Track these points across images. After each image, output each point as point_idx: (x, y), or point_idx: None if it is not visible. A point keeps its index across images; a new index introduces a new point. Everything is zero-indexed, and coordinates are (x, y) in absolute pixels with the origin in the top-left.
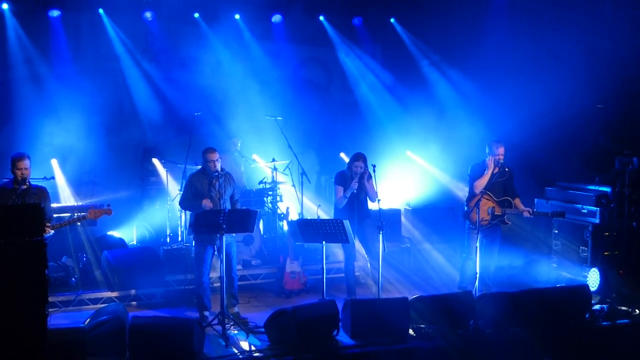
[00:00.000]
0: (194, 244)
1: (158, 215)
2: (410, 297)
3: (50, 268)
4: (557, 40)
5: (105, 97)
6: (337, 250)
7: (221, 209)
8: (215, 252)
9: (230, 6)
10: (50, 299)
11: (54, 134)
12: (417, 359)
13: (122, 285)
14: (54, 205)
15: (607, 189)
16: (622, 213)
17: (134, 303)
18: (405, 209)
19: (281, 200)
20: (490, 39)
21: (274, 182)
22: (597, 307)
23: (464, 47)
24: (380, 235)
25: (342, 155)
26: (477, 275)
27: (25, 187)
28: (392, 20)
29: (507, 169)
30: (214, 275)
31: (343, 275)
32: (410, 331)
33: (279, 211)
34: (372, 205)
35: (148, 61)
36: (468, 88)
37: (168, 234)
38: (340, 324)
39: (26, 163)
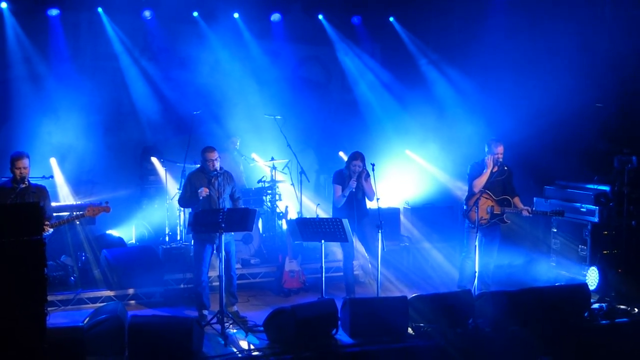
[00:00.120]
0: (193, 243)
1: (157, 214)
2: (410, 296)
3: (49, 267)
4: (557, 39)
5: (104, 96)
6: (336, 249)
7: (220, 208)
8: (214, 251)
9: (229, 5)
10: (49, 297)
11: (53, 133)
12: (416, 358)
13: (121, 284)
14: (53, 204)
15: (606, 188)
16: (621, 212)
17: (132, 302)
18: (404, 207)
19: (280, 199)
20: (489, 38)
21: (273, 181)
22: (596, 305)
23: (463, 46)
24: (380, 234)
25: (341, 154)
26: (476, 274)
27: (24, 186)
28: (391, 19)
29: (506, 168)
30: (213, 274)
31: (342, 274)
32: (409, 330)
33: (278, 210)
34: (371, 204)
35: (147, 60)
36: (467, 87)
37: (167, 233)
38: (339, 322)
39: (25, 162)
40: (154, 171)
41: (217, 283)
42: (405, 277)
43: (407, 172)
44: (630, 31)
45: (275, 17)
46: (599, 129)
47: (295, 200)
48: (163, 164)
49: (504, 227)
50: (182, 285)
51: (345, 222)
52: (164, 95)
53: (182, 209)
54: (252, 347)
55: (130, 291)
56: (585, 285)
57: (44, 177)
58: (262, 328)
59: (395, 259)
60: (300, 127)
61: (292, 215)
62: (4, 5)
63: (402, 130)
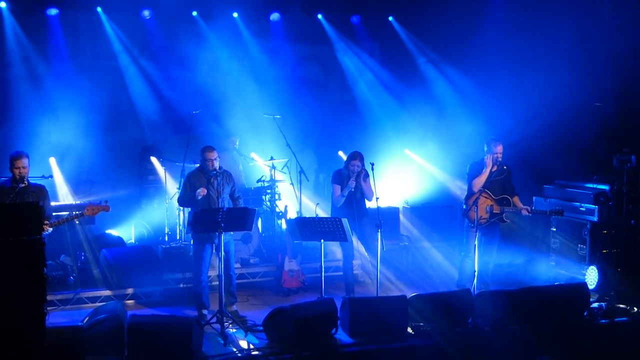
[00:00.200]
0: (192, 243)
1: (156, 214)
2: (409, 296)
3: (48, 266)
4: (556, 38)
5: (103, 96)
6: (335, 249)
7: (219, 208)
8: (214, 251)
9: (229, 4)
10: (49, 297)
11: (52, 133)
12: (415, 357)
13: (121, 284)
14: (52, 203)
15: (605, 187)
16: (621, 211)
17: (132, 301)
18: (403, 207)
19: (279, 199)
20: (489, 37)
21: (273, 181)
22: (595, 305)
23: (463, 45)
24: (379, 234)
25: (341, 153)
26: (476, 274)
27: (23, 185)
28: (390, 18)
29: (505, 167)
30: (213, 273)
31: (341, 273)
32: (409, 329)
33: (277, 209)
34: (370, 204)
35: (146, 59)
36: (466, 86)
37: (166, 232)
38: (338, 322)
39: (24, 162)
40: (153, 171)
41: (217, 282)
42: (405, 276)
43: (407, 172)
44: (629, 30)
45: (275, 16)
46: (598, 128)
47: (294, 200)
48: (162, 163)
49: (503, 227)
50: (181, 285)
51: (345, 221)
52: (163, 94)
53: (181, 208)
54: (251, 346)
55: (130, 291)
56: (585, 284)
57: (43, 176)
58: (261, 327)
59: (394, 258)
60: (300, 126)
61: (292, 214)
62: (3, 4)
63: (401, 129)
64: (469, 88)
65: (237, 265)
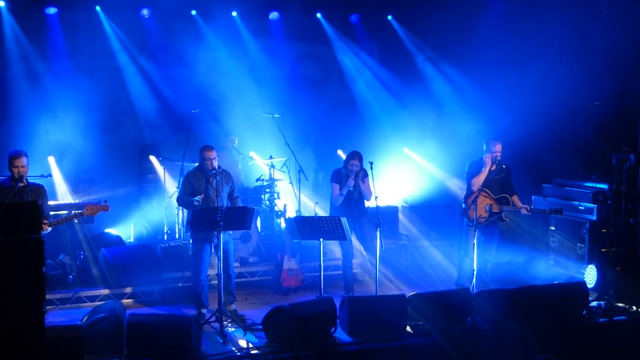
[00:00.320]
0: (191, 242)
1: (155, 213)
2: (408, 294)
3: (47, 265)
4: (554, 37)
5: (102, 95)
6: (334, 248)
7: (219, 207)
8: (213, 250)
9: (227, 3)
10: (48, 296)
11: (51, 132)
12: (414, 356)
13: (120, 283)
14: (51, 202)
15: (604, 186)
16: (619, 210)
17: (131, 300)
18: (402, 206)
19: (278, 198)
20: (487, 35)
21: (272, 180)
22: (594, 303)
23: (461, 44)
24: (378, 233)
25: (340, 152)
26: (475, 272)
27: (22, 184)
28: (389, 17)
29: (504, 166)
30: (212, 272)
31: (341, 272)
32: (408, 328)
33: (276, 208)
34: (369, 203)
35: (145, 58)
36: (465, 85)
37: (165, 231)
38: (337, 321)
39: (23, 161)
40: (152, 170)
41: (216, 281)
42: (404, 275)
43: (406, 170)
44: (628, 29)
45: (274, 15)
46: (597, 127)
47: (293, 199)
48: (161, 162)
49: (502, 226)
50: (180, 284)
51: (344, 220)
52: (162, 93)
53: (180, 207)
54: (250, 345)
55: (129, 290)
56: (584, 283)
57: (42, 175)
58: (260, 326)
59: (393, 257)
60: (299, 125)
61: (291, 213)
62: (2, 3)
63: (400, 128)
64: (468, 87)
65: (236, 264)
